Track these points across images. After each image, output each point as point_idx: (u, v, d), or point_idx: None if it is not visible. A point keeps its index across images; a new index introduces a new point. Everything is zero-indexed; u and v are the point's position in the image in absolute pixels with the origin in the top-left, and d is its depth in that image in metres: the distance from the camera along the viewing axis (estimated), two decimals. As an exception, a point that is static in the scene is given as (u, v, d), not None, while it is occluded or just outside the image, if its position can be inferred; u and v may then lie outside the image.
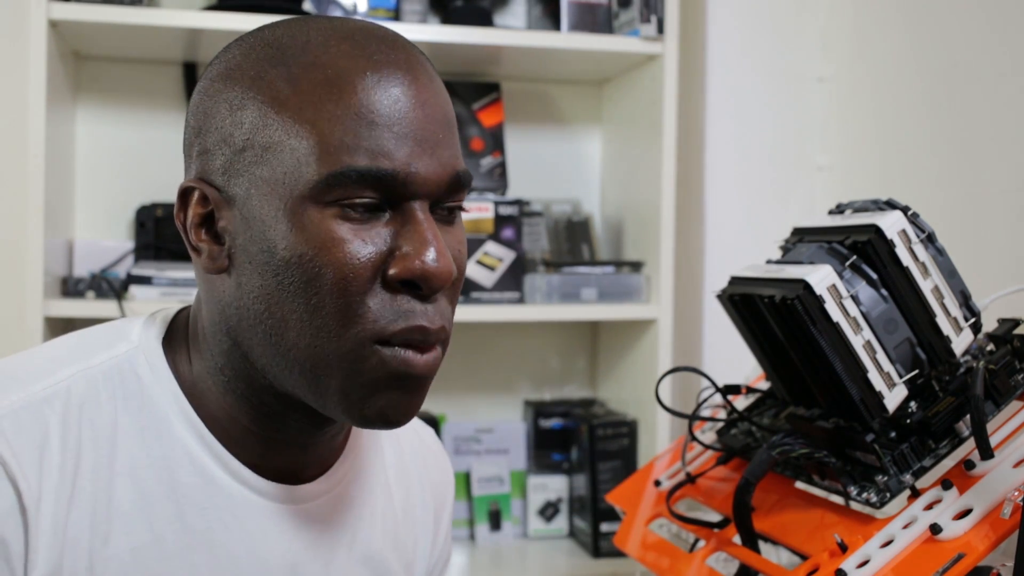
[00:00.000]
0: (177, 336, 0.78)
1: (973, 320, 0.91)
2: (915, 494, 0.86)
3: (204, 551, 0.74)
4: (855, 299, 0.88)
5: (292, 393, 0.72)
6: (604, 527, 1.76)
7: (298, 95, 0.68)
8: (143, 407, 0.74)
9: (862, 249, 0.91)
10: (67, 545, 0.69)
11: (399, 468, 0.91)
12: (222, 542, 0.75)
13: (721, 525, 1.01)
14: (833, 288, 0.87)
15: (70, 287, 1.63)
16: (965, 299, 0.92)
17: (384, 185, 0.68)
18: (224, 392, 0.75)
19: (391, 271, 0.68)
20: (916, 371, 0.89)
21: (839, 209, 1.00)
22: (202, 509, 0.74)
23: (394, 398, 0.70)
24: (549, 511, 1.89)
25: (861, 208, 0.97)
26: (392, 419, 0.71)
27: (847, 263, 0.91)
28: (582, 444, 1.83)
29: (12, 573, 0.67)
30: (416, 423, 0.96)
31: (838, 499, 0.94)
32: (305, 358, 0.69)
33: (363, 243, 0.68)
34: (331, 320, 0.68)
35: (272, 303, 0.69)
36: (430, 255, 0.68)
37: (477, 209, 1.73)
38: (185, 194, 0.73)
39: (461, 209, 0.75)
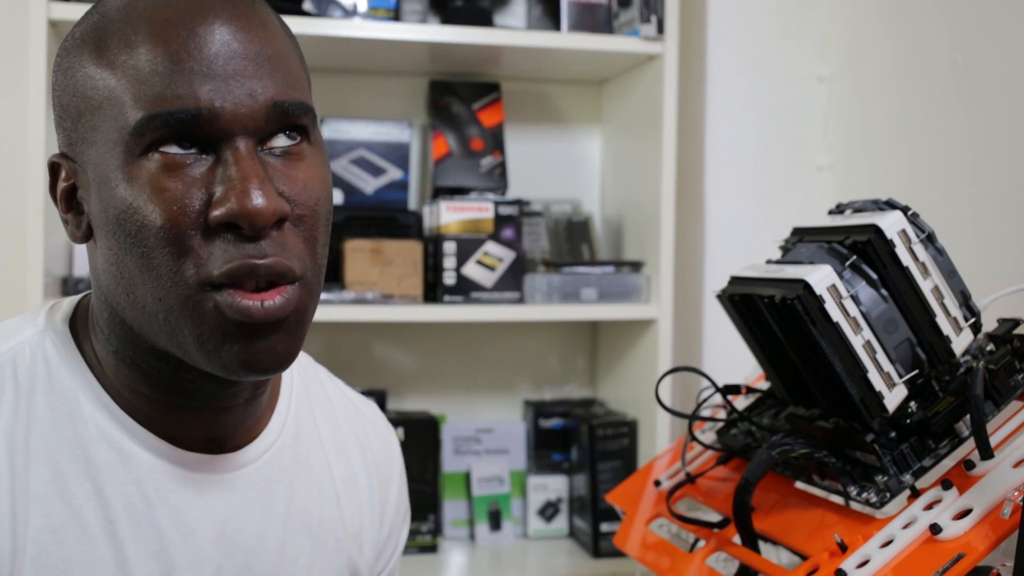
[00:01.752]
0: (81, 319, 0.79)
1: (973, 320, 0.91)
2: (915, 494, 0.86)
3: (127, 526, 0.74)
4: (855, 299, 0.88)
5: (172, 353, 0.72)
6: (604, 527, 1.76)
7: (112, 52, 0.69)
8: (52, 389, 0.75)
9: (862, 249, 0.91)
10: None
11: (335, 438, 0.90)
12: (145, 515, 0.75)
13: (721, 525, 1.01)
14: (833, 288, 0.87)
15: (70, 287, 1.63)
16: (965, 299, 0.92)
17: (191, 126, 0.67)
18: (120, 365, 0.76)
19: (211, 215, 0.67)
20: (916, 371, 0.89)
21: (839, 209, 1.00)
22: (121, 484, 0.74)
23: (247, 346, 0.69)
24: (549, 511, 1.89)
25: (861, 208, 0.97)
26: (256, 367, 0.70)
27: (847, 263, 0.91)
28: (582, 444, 1.83)
29: None
30: (356, 396, 0.97)
31: (838, 499, 0.94)
32: (155, 311, 0.70)
33: (184, 188, 0.67)
34: (163, 269, 0.68)
35: (120, 263, 0.70)
36: (245, 193, 0.66)
37: (477, 209, 1.74)
38: (52, 169, 0.75)
39: (306, 134, 0.73)
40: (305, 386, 0.90)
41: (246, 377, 0.71)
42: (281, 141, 0.71)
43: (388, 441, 0.96)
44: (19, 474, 0.72)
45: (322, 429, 0.89)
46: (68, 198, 0.74)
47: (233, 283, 0.68)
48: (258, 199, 0.67)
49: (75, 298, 0.82)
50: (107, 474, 0.74)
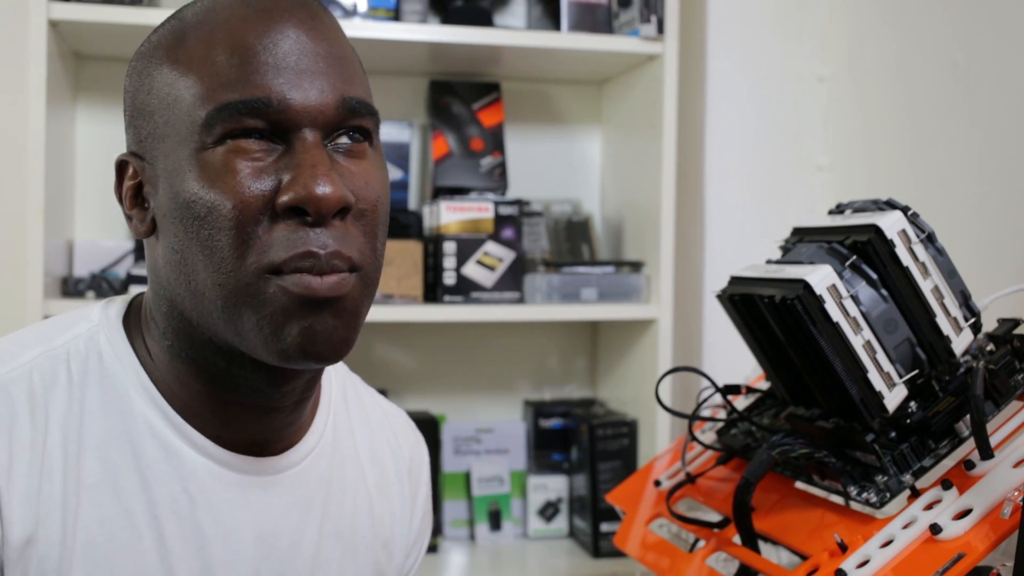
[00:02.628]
0: (136, 318, 0.81)
1: (973, 320, 0.91)
2: (915, 494, 0.86)
3: (171, 522, 0.76)
4: (855, 299, 0.88)
5: (227, 343, 0.74)
6: (604, 527, 1.76)
7: (187, 50, 0.72)
8: (104, 383, 0.76)
9: (862, 249, 0.91)
10: (40, 517, 0.71)
11: (370, 447, 0.91)
12: (188, 513, 0.76)
13: (721, 525, 1.01)
14: (833, 288, 0.87)
15: (70, 287, 1.63)
16: (965, 299, 0.92)
17: (262, 115, 0.70)
18: (173, 360, 0.77)
19: (278, 200, 0.70)
20: (916, 371, 0.89)
21: (839, 209, 1.00)
22: (166, 480, 0.76)
23: (306, 326, 0.70)
24: (549, 511, 1.89)
25: (861, 208, 0.97)
26: (312, 351, 0.71)
27: (847, 263, 0.91)
28: (582, 444, 1.83)
29: None
30: (388, 405, 0.98)
31: (838, 499, 0.94)
32: (215, 297, 0.71)
33: (253, 176, 0.70)
34: (227, 254, 0.70)
35: (184, 250, 0.72)
36: (311, 180, 0.69)
37: (477, 209, 1.74)
38: (119, 168, 0.78)
39: (369, 137, 0.75)
40: (343, 395, 0.92)
41: (302, 363, 0.72)
42: (345, 139, 0.74)
43: (419, 450, 0.98)
44: (71, 465, 0.73)
45: (358, 438, 0.91)
46: (134, 195, 0.77)
47: (295, 270, 0.70)
48: (325, 186, 0.69)
49: (128, 296, 0.84)
50: (154, 469, 0.76)
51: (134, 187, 0.77)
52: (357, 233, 0.73)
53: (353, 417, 0.91)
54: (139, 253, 1.72)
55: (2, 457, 0.71)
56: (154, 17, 1.56)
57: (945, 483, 0.82)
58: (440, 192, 1.81)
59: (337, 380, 0.92)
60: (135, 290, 1.61)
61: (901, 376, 0.89)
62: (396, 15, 1.71)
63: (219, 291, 0.71)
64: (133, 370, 0.77)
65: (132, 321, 0.80)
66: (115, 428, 0.75)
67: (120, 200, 0.78)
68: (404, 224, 1.77)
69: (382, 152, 0.78)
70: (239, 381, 0.76)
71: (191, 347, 0.76)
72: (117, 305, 0.81)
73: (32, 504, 0.71)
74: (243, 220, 0.69)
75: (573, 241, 1.93)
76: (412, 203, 1.90)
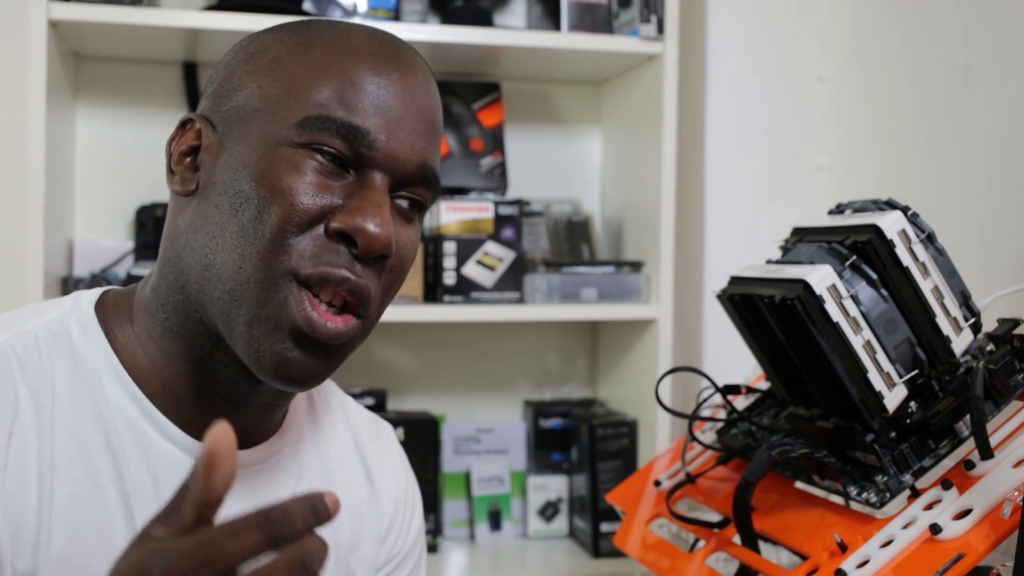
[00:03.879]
0: (112, 304, 0.82)
1: (973, 320, 0.91)
2: (915, 494, 0.86)
3: (140, 500, 0.76)
4: (855, 299, 0.88)
5: (215, 327, 0.75)
6: (604, 527, 1.76)
7: (307, 55, 0.76)
8: (76, 366, 0.77)
9: (862, 249, 0.91)
10: (17, 494, 0.72)
11: (340, 450, 0.92)
12: (154, 496, 0.77)
13: (721, 525, 1.01)
14: (833, 288, 0.87)
15: (70, 287, 1.63)
16: (965, 299, 0.92)
17: (352, 141, 0.73)
18: (163, 334, 0.78)
19: (333, 220, 0.73)
20: (916, 371, 0.89)
21: (839, 209, 1.00)
22: (135, 462, 0.77)
23: (289, 349, 0.73)
24: (549, 511, 1.88)
25: (861, 208, 0.97)
26: (283, 374, 0.73)
27: (847, 263, 0.91)
28: (582, 444, 1.83)
29: None
30: (362, 412, 0.99)
31: (838, 499, 0.94)
32: (228, 278, 0.73)
33: (319, 189, 0.73)
34: (263, 247, 0.72)
35: (219, 224, 0.74)
36: (372, 217, 0.72)
37: (477, 209, 1.73)
38: (184, 124, 0.79)
39: (421, 210, 0.79)
40: (315, 399, 0.93)
41: (270, 378, 0.74)
42: (404, 200, 0.77)
43: (391, 455, 0.98)
44: (45, 443, 0.74)
45: (328, 441, 0.92)
46: (186, 153, 0.79)
47: (316, 286, 0.73)
48: (381, 227, 0.72)
49: (101, 288, 0.85)
50: (125, 451, 0.76)
51: (192, 147, 0.78)
52: (379, 282, 0.76)
53: (323, 421, 0.92)
54: (139, 253, 1.72)
55: None
56: (154, 17, 1.56)
57: (945, 483, 0.82)
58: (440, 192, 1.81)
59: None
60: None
61: (901, 376, 0.89)
62: (396, 15, 1.71)
63: (235, 273, 0.73)
64: (104, 355, 0.78)
65: (108, 309, 0.81)
66: (86, 409, 0.76)
67: (169, 153, 0.79)
68: (404, 224, 1.77)
69: (421, 230, 0.83)
70: (219, 367, 0.78)
71: (184, 322, 0.78)
72: (89, 294, 0.83)
73: (11, 482, 0.72)
74: (293, 224, 0.72)
75: (573, 241, 1.93)
76: (412, 203, 1.90)
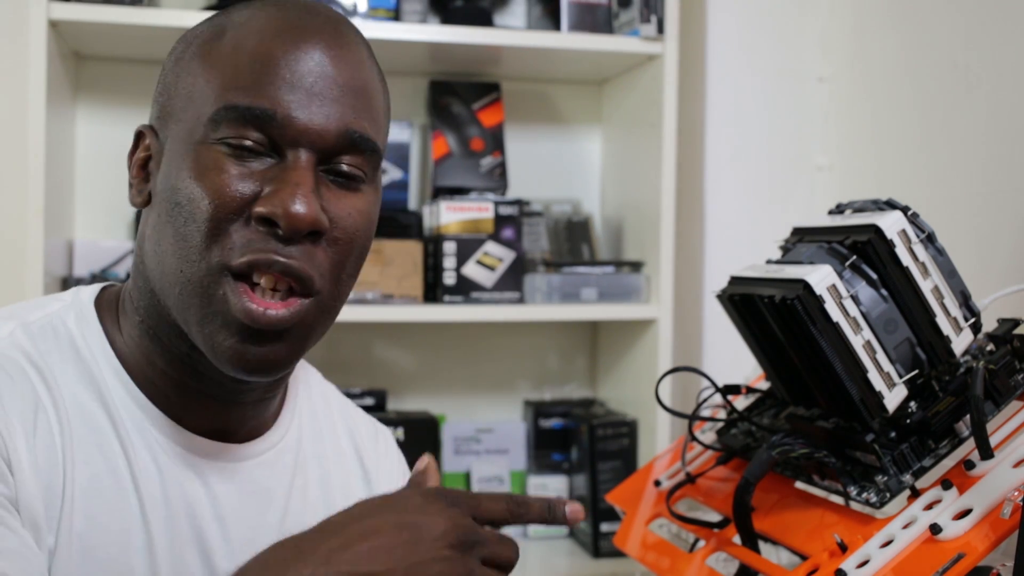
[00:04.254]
0: (108, 301, 0.83)
1: (973, 320, 0.91)
2: (915, 494, 0.86)
3: (149, 488, 0.77)
4: (855, 299, 0.88)
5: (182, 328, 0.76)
6: (604, 527, 1.76)
7: (219, 48, 0.75)
8: (78, 358, 0.78)
9: (862, 249, 0.91)
10: (44, 470, 0.72)
11: (335, 447, 0.93)
12: (158, 483, 0.78)
13: (721, 525, 1.01)
14: (833, 288, 0.87)
15: (70, 287, 1.62)
16: (965, 299, 0.92)
17: (263, 126, 0.72)
18: (143, 337, 0.79)
19: (252, 207, 0.72)
20: (916, 371, 0.89)
21: (839, 209, 1.00)
22: (140, 449, 0.78)
23: (239, 343, 0.73)
24: (549, 511, 1.88)
25: (861, 208, 0.97)
26: (246, 367, 0.74)
27: (847, 263, 0.91)
28: (582, 444, 1.82)
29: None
30: (357, 413, 0.99)
31: (838, 499, 0.94)
32: (175, 283, 0.74)
33: (238, 179, 0.72)
34: (195, 245, 0.73)
35: (162, 231, 0.75)
36: (290, 197, 0.71)
37: (477, 209, 1.73)
38: (137, 136, 0.82)
39: (363, 178, 0.77)
40: (311, 396, 0.94)
41: (237, 373, 0.74)
42: (342, 168, 0.76)
43: (389, 458, 0.99)
44: (64, 423, 0.75)
45: (326, 443, 0.92)
46: (141, 166, 0.80)
47: (249, 275, 0.72)
48: (301, 205, 0.71)
49: (101, 284, 0.86)
50: (131, 438, 0.77)
51: (143, 158, 0.80)
52: (324, 258, 0.75)
53: (321, 418, 0.93)
54: (139, 253, 1.72)
55: (10, 421, 0.72)
56: (154, 17, 1.56)
57: (945, 483, 0.82)
58: (440, 192, 1.81)
59: (304, 382, 0.93)
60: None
61: (901, 376, 0.89)
62: (396, 15, 1.71)
63: (179, 278, 0.74)
64: (101, 349, 0.79)
65: (105, 304, 0.82)
66: (93, 398, 0.77)
67: (129, 165, 0.81)
68: (404, 224, 1.77)
69: (378, 192, 0.80)
70: (200, 368, 0.78)
71: (159, 325, 0.78)
72: (89, 289, 0.83)
73: (41, 458, 0.72)
74: (217, 217, 0.72)
75: (573, 241, 1.93)
76: (412, 203, 1.90)
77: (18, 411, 0.72)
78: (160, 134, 0.78)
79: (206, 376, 0.79)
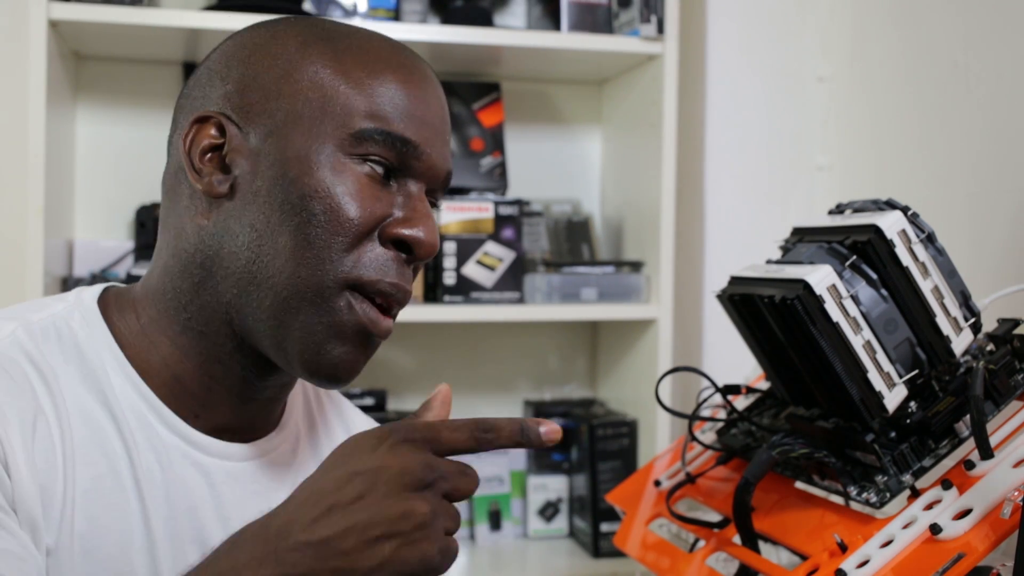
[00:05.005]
0: (114, 299, 0.82)
1: (973, 320, 0.91)
2: (915, 494, 0.86)
3: (151, 489, 0.77)
4: (855, 299, 0.88)
5: (251, 330, 0.77)
6: (604, 527, 1.76)
7: (341, 64, 0.77)
8: (82, 359, 0.78)
9: (862, 249, 0.91)
10: (43, 471, 0.72)
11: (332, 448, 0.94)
12: (160, 483, 0.78)
13: (721, 525, 1.01)
14: (833, 288, 0.87)
15: (70, 287, 1.62)
16: (965, 299, 0.92)
17: (403, 153, 0.77)
18: (181, 332, 0.79)
19: (390, 230, 0.76)
20: (916, 371, 0.89)
21: (839, 209, 1.00)
22: (144, 450, 0.77)
23: (349, 351, 0.76)
24: (549, 511, 1.89)
25: (861, 208, 0.97)
26: (340, 374, 0.77)
27: (847, 263, 0.91)
28: (582, 444, 1.83)
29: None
30: (353, 411, 1.01)
31: (838, 499, 0.94)
32: (282, 287, 0.75)
33: (372, 198, 0.76)
34: (322, 254, 0.74)
35: (267, 233, 0.75)
36: (425, 227, 0.77)
37: (477, 209, 1.73)
38: (201, 120, 0.79)
39: (435, 208, 0.83)
40: (311, 402, 0.95)
41: (318, 379, 0.77)
42: (432, 200, 0.82)
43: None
44: (64, 424, 0.75)
45: (323, 444, 0.93)
46: (206, 152, 0.78)
47: (376, 293, 0.76)
48: (435, 236, 0.78)
49: (103, 284, 0.85)
50: (135, 439, 0.77)
51: (212, 146, 0.78)
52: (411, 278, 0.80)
53: (318, 419, 0.94)
54: (139, 253, 1.72)
55: (8, 422, 0.71)
56: (154, 17, 1.56)
57: (945, 483, 0.82)
58: (440, 192, 1.81)
59: (302, 386, 0.95)
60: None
61: (901, 376, 0.89)
62: (396, 15, 1.71)
63: (291, 282, 0.75)
64: (108, 348, 0.79)
65: (109, 305, 0.82)
66: (96, 398, 0.77)
67: (186, 152, 0.78)
68: (404, 224, 1.77)
69: None
70: (235, 365, 0.80)
71: (207, 325, 0.79)
72: (91, 290, 0.83)
73: (40, 460, 0.72)
74: (351, 233, 0.75)
75: (573, 241, 1.93)
76: (412, 203, 1.90)
77: (16, 412, 0.72)
78: (246, 128, 0.77)
79: (236, 375, 0.80)
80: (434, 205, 0.82)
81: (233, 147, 0.77)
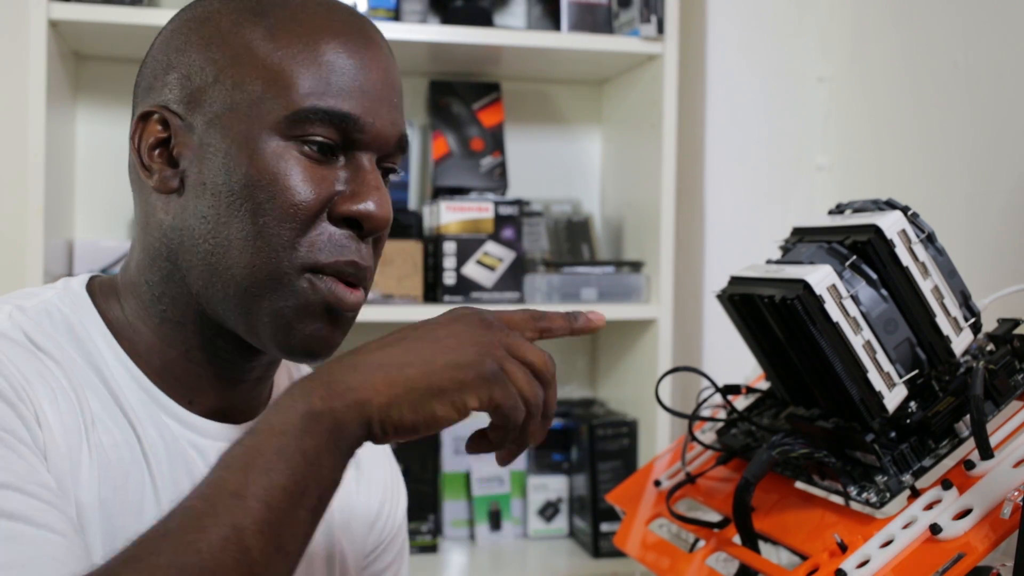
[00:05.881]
0: (100, 288, 0.83)
1: (973, 320, 0.91)
2: (915, 494, 0.86)
3: (158, 464, 0.78)
4: (855, 299, 0.88)
5: (223, 317, 0.77)
6: (604, 527, 1.76)
7: (275, 41, 0.75)
8: (78, 342, 0.78)
9: (862, 249, 0.91)
10: (70, 432, 0.72)
11: None
12: (165, 458, 0.78)
13: (721, 525, 1.01)
14: (833, 288, 0.87)
15: (70, 287, 1.63)
16: (965, 299, 0.92)
17: (343, 128, 0.75)
18: (160, 323, 0.80)
19: (338, 208, 0.75)
20: (916, 371, 0.89)
21: (839, 209, 1.00)
22: (147, 426, 0.78)
23: (320, 328, 0.77)
24: (549, 511, 1.88)
25: (861, 208, 0.97)
26: (315, 349, 0.77)
27: (847, 263, 0.91)
28: (582, 444, 1.83)
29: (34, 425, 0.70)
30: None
31: (838, 499, 0.94)
32: (242, 278, 0.75)
33: (316, 179, 0.75)
34: (273, 242, 0.74)
35: (219, 224, 0.75)
36: (375, 199, 0.76)
37: (477, 209, 1.73)
38: (144, 118, 0.79)
39: (393, 173, 0.82)
40: (292, 376, 0.96)
41: (298, 358, 0.78)
42: (387, 167, 0.80)
43: (395, 477, 1.01)
44: (80, 393, 0.75)
45: None
46: (154, 147, 0.78)
47: (334, 273, 0.76)
48: (385, 207, 0.76)
49: (89, 274, 0.86)
50: (137, 414, 0.78)
51: (158, 141, 0.78)
52: (371, 252, 0.79)
53: None
54: (139, 253, 1.72)
55: (31, 382, 0.71)
56: (154, 17, 1.56)
57: (945, 483, 0.82)
58: (440, 192, 1.81)
59: (293, 366, 0.96)
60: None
61: (901, 376, 0.89)
62: (396, 15, 1.71)
63: (248, 272, 0.74)
64: (100, 334, 0.79)
65: (98, 292, 0.83)
66: (98, 377, 0.77)
67: (137, 151, 0.79)
68: (404, 224, 1.77)
69: None
70: (219, 351, 0.80)
71: (183, 314, 0.79)
72: (78, 279, 0.84)
73: (67, 419, 0.72)
74: (299, 217, 0.74)
75: (573, 241, 1.93)
76: (412, 203, 1.90)
77: (37, 375, 0.72)
78: (187, 118, 0.76)
79: (222, 359, 0.80)
80: (392, 170, 0.81)
81: (179, 140, 0.77)
